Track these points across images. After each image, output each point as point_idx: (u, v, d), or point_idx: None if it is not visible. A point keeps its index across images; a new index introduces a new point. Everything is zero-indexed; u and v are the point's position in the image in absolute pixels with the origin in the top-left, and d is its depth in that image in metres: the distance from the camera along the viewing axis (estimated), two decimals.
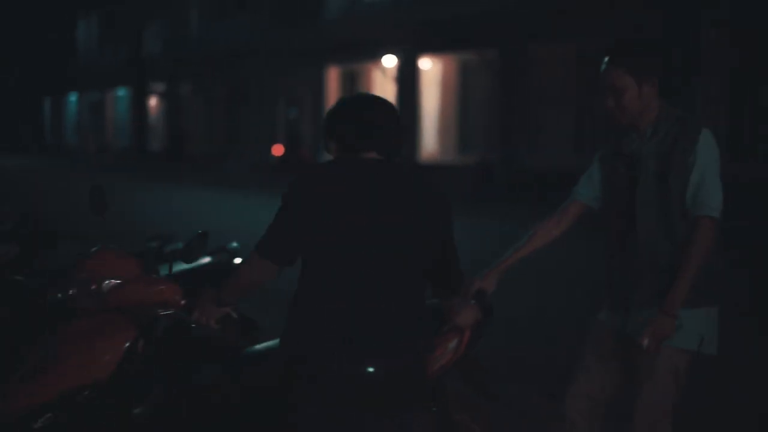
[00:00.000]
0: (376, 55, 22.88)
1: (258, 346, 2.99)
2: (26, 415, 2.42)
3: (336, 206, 2.59)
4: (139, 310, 2.68)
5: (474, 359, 3.24)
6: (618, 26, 16.57)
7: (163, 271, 3.23)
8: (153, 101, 36.61)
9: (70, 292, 2.72)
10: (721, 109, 15.84)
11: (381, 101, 2.79)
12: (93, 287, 2.72)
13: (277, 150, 27.18)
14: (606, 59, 3.07)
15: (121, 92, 39.00)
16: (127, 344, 2.57)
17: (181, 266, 3.48)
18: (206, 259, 3.90)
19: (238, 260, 3.92)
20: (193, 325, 2.66)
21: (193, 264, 3.40)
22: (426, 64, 22.68)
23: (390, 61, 22.86)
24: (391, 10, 22.16)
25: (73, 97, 45.31)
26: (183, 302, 2.75)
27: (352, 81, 25.50)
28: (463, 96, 22.19)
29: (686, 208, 2.96)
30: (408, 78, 22.54)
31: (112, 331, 2.58)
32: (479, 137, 21.43)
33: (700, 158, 2.95)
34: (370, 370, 2.51)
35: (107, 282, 2.74)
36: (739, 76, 15.68)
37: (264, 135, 28.10)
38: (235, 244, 4.11)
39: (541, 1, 18.09)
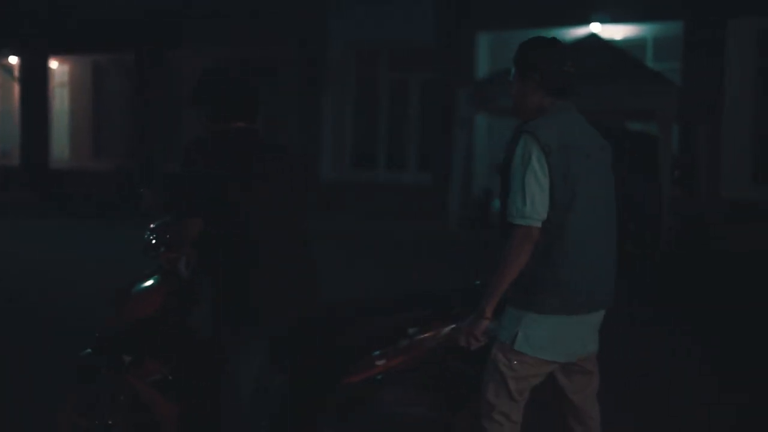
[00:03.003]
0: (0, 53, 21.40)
1: None
2: (121, 331, 3.57)
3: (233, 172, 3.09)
4: None
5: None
6: (256, 38, 17.15)
7: None
8: None
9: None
10: (347, 120, 17.07)
11: (242, 73, 3.23)
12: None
13: None
14: None
15: None
16: (162, 298, 3.56)
17: None
18: None
19: None
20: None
21: None
22: (56, 64, 21.64)
23: (15, 59, 21.50)
24: (15, 6, 20.81)
25: None
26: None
27: None
28: (97, 99, 21.47)
29: None
30: (35, 78, 21.31)
31: (153, 290, 3.58)
32: (115, 142, 20.89)
33: (513, 164, 2.95)
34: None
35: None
36: (364, 90, 16.99)
37: None
38: None
39: (173, 8, 18.11)
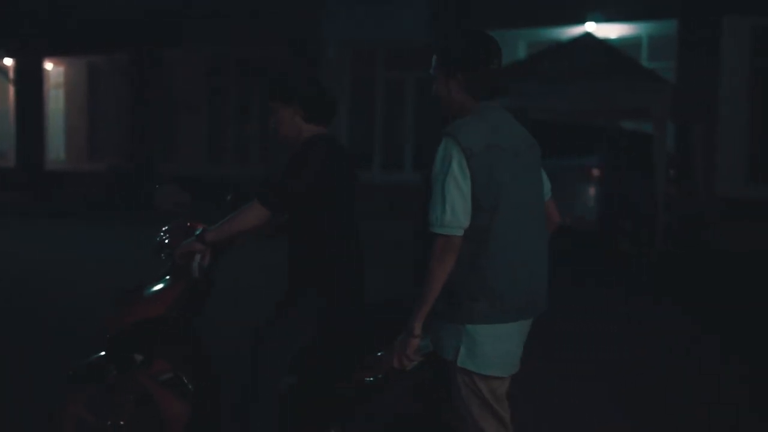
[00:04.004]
0: None
1: None
2: (125, 330, 3.55)
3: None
4: None
5: None
6: (254, 38, 17.16)
7: None
8: None
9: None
10: (343, 120, 17.11)
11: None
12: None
13: None
14: None
15: None
16: (174, 296, 3.55)
17: None
18: None
19: None
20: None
21: None
22: (51, 65, 21.64)
23: (9, 61, 21.50)
24: (10, 8, 20.79)
25: None
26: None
27: None
28: (92, 100, 21.47)
29: None
30: (30, 80, 21.31)
31: (165, 290, 3.56)
32: (111, 143, 20.89)
33: (434, 169, 2.83)
34: None
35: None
36: (360, 90, 17.02)
37: None
38: None
39: (172, 7, 18.12)
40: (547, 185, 3.12)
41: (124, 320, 3.55)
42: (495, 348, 2.81)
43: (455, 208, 2.73)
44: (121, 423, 3.56)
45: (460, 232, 2.74)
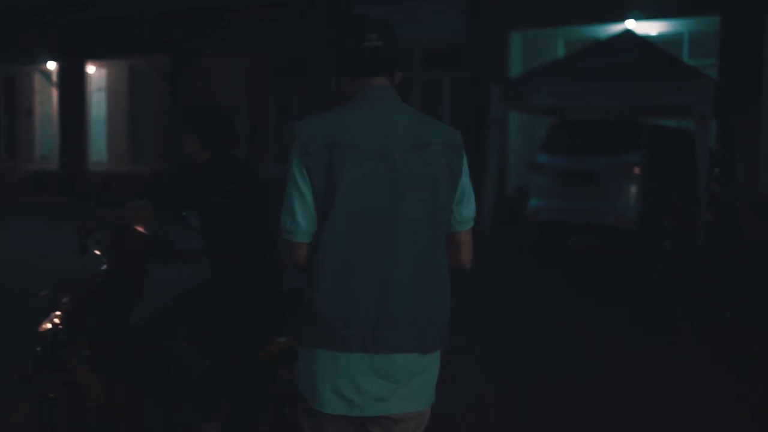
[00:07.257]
0: (37, 59, 21.72)
1: None
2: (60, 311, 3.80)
3: None
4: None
5: None
6: (285, 40, 17.25)
7: None
8: None
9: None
10: None
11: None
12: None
13: None
14: None
15: None
16: (105, 275, 3.81)
17: None
18: None
19: None
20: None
21: None
22: (93, 68, 21.93)
23: (53, 64, 21.83)
24: (49, 11, 21.12)
25: None
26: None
27: (9, 85, 23.96)
28: (133, 103, 21.74)
29: None
30: (73, 83, 21.63)
31: (98, 271, 3.81)
32: (152, 145, 21.13)
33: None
34: None
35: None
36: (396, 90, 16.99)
37: None
38: None
39: (211, 8, 18.29)
40: (468, 211, 2.62)
41: (60, 301, 3.79)
42: (309, 371, 2.38)
43: (296, 213, 2.36)
44: (51, 396, 3.75)
45: (305, 239, 2.37)
